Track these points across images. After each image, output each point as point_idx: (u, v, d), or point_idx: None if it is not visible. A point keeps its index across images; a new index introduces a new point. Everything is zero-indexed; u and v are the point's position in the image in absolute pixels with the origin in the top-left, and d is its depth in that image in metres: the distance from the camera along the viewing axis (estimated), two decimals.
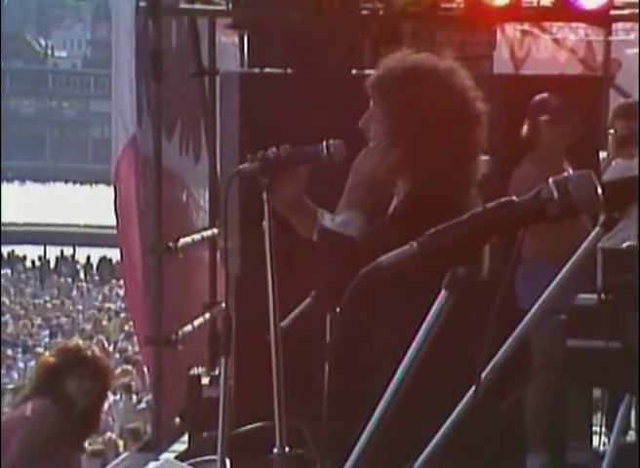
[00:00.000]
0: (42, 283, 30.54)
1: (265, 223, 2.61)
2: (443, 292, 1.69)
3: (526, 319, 2.08)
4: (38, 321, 22.71)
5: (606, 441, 4.85)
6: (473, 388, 1.87)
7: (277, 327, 2.62)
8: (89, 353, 4.76)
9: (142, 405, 12.09)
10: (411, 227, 1.98)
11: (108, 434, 10.99)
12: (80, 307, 24.63)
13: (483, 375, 1.95)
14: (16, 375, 17.19)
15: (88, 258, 35.22)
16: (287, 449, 2.65)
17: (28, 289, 28.93)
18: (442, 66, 2.53)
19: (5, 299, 25.70)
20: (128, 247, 6.75)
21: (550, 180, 1.65)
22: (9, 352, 18.80)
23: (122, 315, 22.78)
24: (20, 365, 18.14)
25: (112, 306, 24.54)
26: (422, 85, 2.49)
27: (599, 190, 1.65)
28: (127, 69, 6.46)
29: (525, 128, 5.10)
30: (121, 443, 10.45)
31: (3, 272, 31.99)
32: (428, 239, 1.66)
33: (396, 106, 2.49)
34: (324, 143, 2.60)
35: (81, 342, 5.26)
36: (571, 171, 4.55)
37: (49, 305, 24.98)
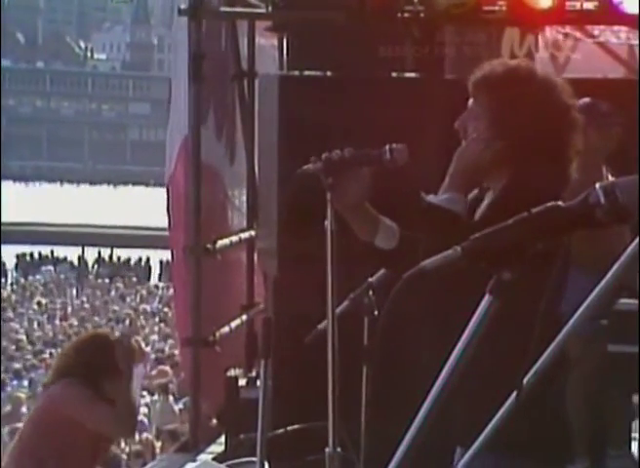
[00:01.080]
0: (80, 284, 30.79)
1: (327, 223, 2.61)
2: (487, 297, 1.68)
3: (569, 324, 2.07)
4: (75, 322, 22.89)
5: None
6: (515, 393, 1.86)
7: (335, 329, 2.61)
8: (115, 338, 4.81)
9: (180, 406, 12.13)
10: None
11: (145, 435, 11.05)
12: (116, 308, 24.79)
13: (525, 381, 1.94)
14: None
15: (126, 260, 35.45)
16: (339, 450, 2.65)
17: (66, 289, 29.19)
18: (540, 70, 2.66)
19: (43, 300, 25.94)
20: (177, 249, 6.78)
21: (597, 186, 1.64)
22: (46, 354, 18.97)
23: (158, 316, 22.94)
24: None
25: (148, 307, 24.69)
26: (525, 84, 2.59)
27: None
28: (182, 72, 6.49)
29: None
30: (158, 444, 10.50)
31: (44, 270, 32.32)
32: (473, 243, 1.65)
33: (500, 102, 2.58)
34: (387, 147, 2.62)
35: (107, 330, 5.31)
36: (611, 177, 4.52)
37: (86, 306, 25.17)
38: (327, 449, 2.65)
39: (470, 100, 2.66)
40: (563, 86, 2.63)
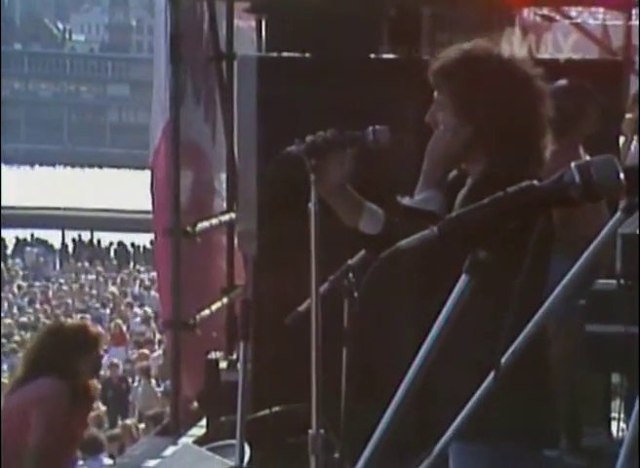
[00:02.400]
0: (60, 267, 30.70)
1: (311, 205, 2.61)
2: (463, 277, 1.69)
3: (546, 304, 2.07)
4: (55, 304, 22.82)
5: (624, 427, 4.85)
6: (493, 373, 1.87)
7: (318, 311, 2.61)
8: (82, 327, 4.83)
9: (161, 389, 12.13)
10: None
11: (127, 419, 11.05)
12: (95, 292, 24.73)
13: (502, 360, 1.94)
14: None
15: (106, 243, 35.34)
16: (322, 431, 2.65)
17: (47, 273, 29.09)
18: (497, 48, 2.63)
19: (23, 283, 25.85)
20: (159, 232, 6.76)
21: (572, 164, 1.64)
22: (26, 337, 18.91)
23: (139, 300, 22.90)
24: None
25: (129, 291, 24.64)
26: (484, 64, 2.57)
27: (621, 175, 1.64)
28: (163, 54, 6.46)
29: (559, 110, 4.93)
30: (141, 426, 10.51)
31: (24, 254, 32.18)
32: (449, 222, 1.65)
33: (461, 86, 2.57)
34: (370, 128, 2.62)
35: (72, 318, 5.39)
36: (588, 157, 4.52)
37: (65, 288, 25.09)
38: (310, 431, 2.66)
39: (435, 92, 2.65)
40: (522, 59, 2.61)
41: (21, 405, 4.61)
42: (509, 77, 2.56)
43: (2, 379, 13.85)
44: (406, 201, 2.56)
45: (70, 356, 4.62)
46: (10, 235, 35.20)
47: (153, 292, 21.33)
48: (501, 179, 2.35)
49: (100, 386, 4.97)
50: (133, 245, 34.35)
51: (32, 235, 35.84)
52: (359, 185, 2.61)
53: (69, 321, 5.15)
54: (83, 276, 28.12)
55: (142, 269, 29.29)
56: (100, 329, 5.32)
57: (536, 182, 1.65)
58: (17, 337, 18.82)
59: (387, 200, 2.56)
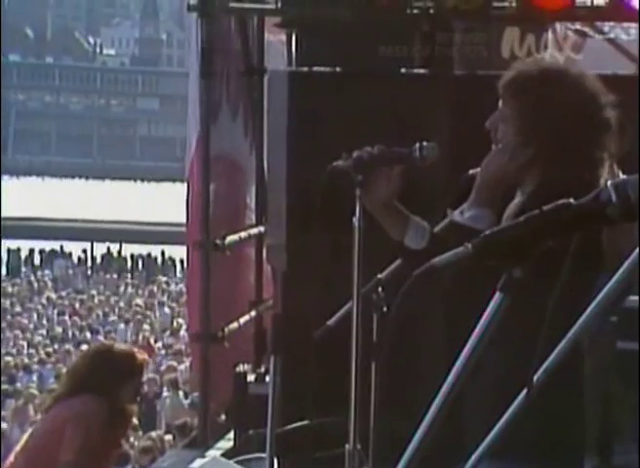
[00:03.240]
0: (88, 279, 30.82)
1: (355, 220, 2.61)
2: (497, 294, 1.68)
3: (579, 321, 2.06)
4: (85, 318, 22.91)
5: None
6: (526, 390, 1.86)
7: (359, 321, 2.61)
8: (130, 352, 4.86)
9: (188, 400, 12.16)
10: None
11: (155, 431, 11.07)
12: (123, 304, 24.82)
13: (535, 378, 1.93)
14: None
15: (135, 255, 35.47)
16: (359, 447, 2.65)
17: (76, 285, 29.22)
18: (574, 70, 2.59)
19: (52, 295, 25.98)
20: (192, 244, 6.79)
21: (609, 183, 1.64)
22: (54, 348, 19.01)
23: (167, 311, 22.95)
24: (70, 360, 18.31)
25: (156, 302, 24.71)
26: (556, 86, 2.53)
27: None
28: (195, 68, 6.51)
29: None
30: (168, 438, 10.52)
31: (53, 266, 32.36)
32: (484, 240, 1.65)
33: (529, 105, 2.53)
34: (417, 145, 2.62)
35: (117, 340, 5.43)
36: (622, 175, 4.50)
37: (95, 301, 25.20)
38: (347, 446, 2.65)
39: (500, 102, 2.61)
40: (595, 84, 2.57)
41: (59, 420, 4.64)
42: (579, 103, 2.52)
43: (32, 390, 13.94)
44: (457, 217, 2.53)
45: (115, 380, 4.65)
46: (40, 246, 35.42)
47: (182, 304, 21.38)
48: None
49: (136, 409, 5.00)
50: (162, 256, 34.46)
51: (62, 247, 36.03)
52: (405, 200, 2.61)
53: (118, 345, 5.22)
54: (112, 288, 28.23)
55: (171, 281, 29.38)
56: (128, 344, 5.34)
57: (572, 201, 1.64)
58: (48, 349, 18.92)
59: (435, 214, 2.55)
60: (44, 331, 21.33)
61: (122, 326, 21.03)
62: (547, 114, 2.51)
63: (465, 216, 2.50)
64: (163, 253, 34.32)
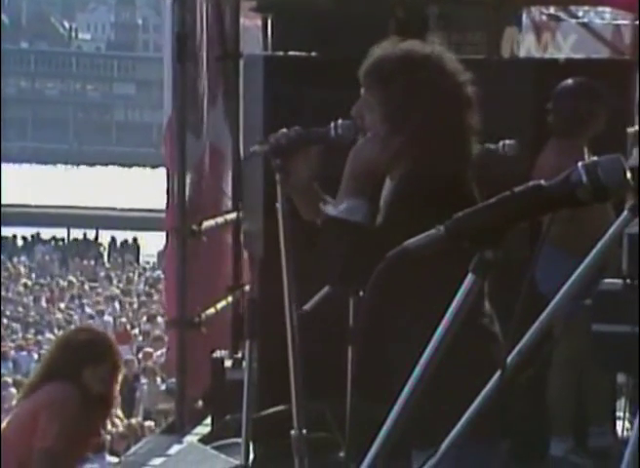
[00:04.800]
0: (65, 265, 30.71)
1: (279, 205, 2.60)
2: (469, 276, 1.69)
3: (552, 303, 2.07)
4: (62, 304, 22.83)
5: (629, 426, 4.84)
6: (499, 372, 1.87)
7: (293, 310, 2.62)
8: (101, 337, 4.85)
9: (165, 387, 12.15)
10: (416, 209, 2.17)
11: (132, 418, 11.07)
12: (100, 290, 24.75)
13: (508, 360, 1.94)
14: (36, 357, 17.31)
15: (111, 242, 35.38)
16: (305, 432, 2.65)
17: (52, 270, 29.11)
18: (434, 52, 2.54)
19: (28, 281, 25.88)
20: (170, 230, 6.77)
21: (579, 164, 1.64)
22: (30, 335, 18.93)
23: (144, 298, 22.91)
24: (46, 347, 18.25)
25: (133, 289, 24.65)
26: (419, 71, 2.49)
27: (628, 174, 1.64)
28: (169, 52, 6.49)
29: (567, 112, 4.85)
30: (147, 423, 10.52)
31: (29, 252, 32.21)
32: (456, 222, 1.65)
33: (395, 93, 2.48)
34: (332, 124, 2.60)
35: (93, 326, 5.39)
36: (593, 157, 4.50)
37: (73, 288, 25.11)
38: (292, 432, 2.66)
39: (362, 89, 2.56)
40: (454, 63, 2.53)
41: (32, 409, 4.63)
42: (443, 85, 2.49)
43: (5, 378, 13.89)
44: (329, 208, 2.48)
45: (80, 365, 4.63)
46: (15, 233, 35.26)
47: (159, 291, 21.35)
48: (425, 182, 2.37)
49: (118, 396, 4.94)
50: (137, 242, 34.38)
51: (38, 233, 35.87)
52: (328, 181, 2.59)
53: (86, 330, 5.14)
54: (89, 274, 28.14)
55: (148, 267, 29.31)
56: (105, 330, 5.30)
57: (543, 182, 1.65)
58: (22, 335, 18.86)
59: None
60: (20, 319, 21.24)
61: (98, 313, 20.95)
62: (415, 102, 2.47)
63: (340, 209, 2.44)
64: (135, 240, 34.25)
